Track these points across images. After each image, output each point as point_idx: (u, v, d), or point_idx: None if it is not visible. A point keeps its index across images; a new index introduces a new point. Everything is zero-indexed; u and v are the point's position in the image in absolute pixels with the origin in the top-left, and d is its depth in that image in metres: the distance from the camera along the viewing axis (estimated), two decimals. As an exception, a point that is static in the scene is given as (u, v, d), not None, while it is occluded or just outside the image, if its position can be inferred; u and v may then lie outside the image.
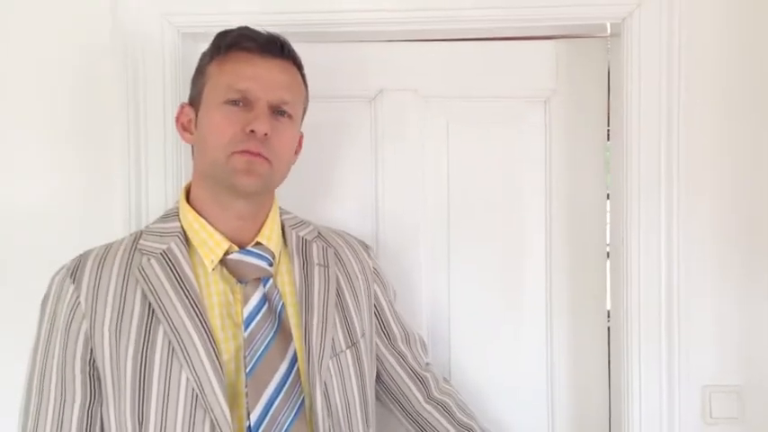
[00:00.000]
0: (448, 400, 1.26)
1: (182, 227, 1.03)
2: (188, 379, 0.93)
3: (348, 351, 1.07)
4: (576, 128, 1.46)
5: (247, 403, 0.95)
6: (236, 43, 1.01)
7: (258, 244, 1.04)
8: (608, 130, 1.44)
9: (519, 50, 1.45)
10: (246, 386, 0.95)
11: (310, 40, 1.35)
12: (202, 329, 0.95)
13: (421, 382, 1.25)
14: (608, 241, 1.46)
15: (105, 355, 0.95)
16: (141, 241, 1.02)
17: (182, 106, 1.08)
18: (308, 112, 1.15)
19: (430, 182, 1.48)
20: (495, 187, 1.48)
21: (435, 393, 1.26)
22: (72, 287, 0.97)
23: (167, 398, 0.92)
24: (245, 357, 0.96)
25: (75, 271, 0.99)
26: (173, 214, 1.06)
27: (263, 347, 0.97)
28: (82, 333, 0.96)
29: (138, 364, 0.94)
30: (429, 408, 1.24)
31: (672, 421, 1.32)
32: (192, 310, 0.95)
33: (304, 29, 1.33)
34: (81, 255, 1.03)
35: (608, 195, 1.45)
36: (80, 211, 1.34)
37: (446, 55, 1.45)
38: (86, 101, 1.34)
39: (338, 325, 1.07)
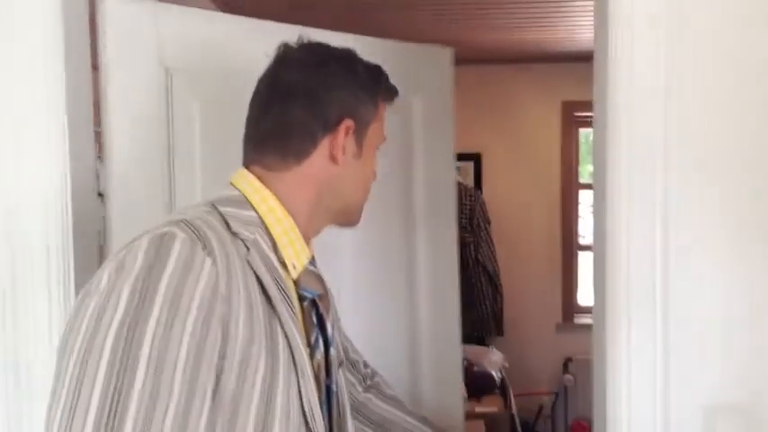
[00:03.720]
0: (398, 397, 1.34)
1: (260, 218, 0.91)
2: (299, 393, 0.85)
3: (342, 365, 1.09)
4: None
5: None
6: (390, 91, 1.02)
7: (312, 257, 0.99)
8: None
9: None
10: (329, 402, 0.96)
11: None
12: (305, 341, 0.89)
13: (374, 387, 1.30)
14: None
15: (236, 353, 0.78)
16: (231, 223, 0.86)
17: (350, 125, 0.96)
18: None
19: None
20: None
21: (388, 391, 1.31)
22: (209, 261, 0.77)
23: (289, 412, 0.83)
24: (329, 370, 0.96)
25: (203, 242, 0.78)
26: (242, 200, 0.91)
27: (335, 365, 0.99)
28: (221, 321, 0.77)
29: (269, 371, 0.81)
30: (386, 406, 1.28)
31: (667, 446, 1.18)
32: (293, 317, 0.87)
33: None
34: (184, 221, 0.80)
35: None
36: None
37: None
38: None
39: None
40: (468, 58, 3.82)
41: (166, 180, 1.28)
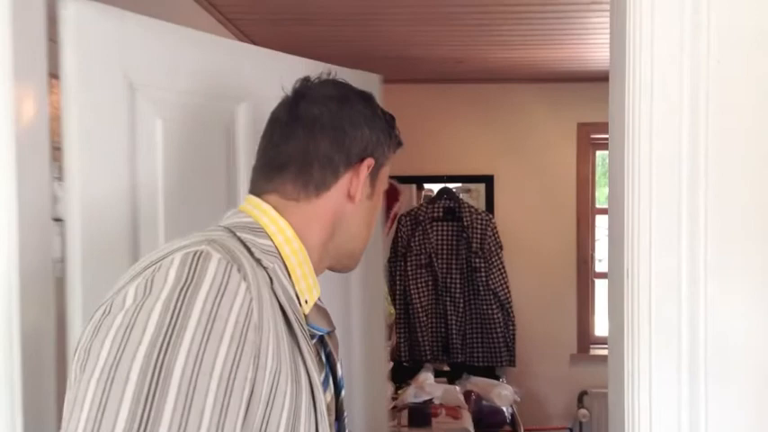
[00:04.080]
0: None
1: (276, 249, 0.88)
2: None
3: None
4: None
5: None
6: (399, 139, 1.02)
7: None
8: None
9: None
10: None
11: None
12: (321, 380, 0.87)
13: None
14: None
15: (264, 385, 0.75)
16: (253, 250, 0.84)
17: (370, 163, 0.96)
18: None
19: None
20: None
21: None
22: (244, 284, 0.74)
23: None
24: (339, 414, 0.94)
25: (238, 264, 0.75)
26: (257, 227, 0.88)
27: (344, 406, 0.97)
28: (252, 349, 0.73)
29: (293, 408, 0.78)
30: None
31: None
32: (311, 353, 0.85)
33: None
34: (215, 242, 0.77)
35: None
36: None
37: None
38: None
39: None
40: (480, 78, 3.72)
41: (130, 201, 1.16)
